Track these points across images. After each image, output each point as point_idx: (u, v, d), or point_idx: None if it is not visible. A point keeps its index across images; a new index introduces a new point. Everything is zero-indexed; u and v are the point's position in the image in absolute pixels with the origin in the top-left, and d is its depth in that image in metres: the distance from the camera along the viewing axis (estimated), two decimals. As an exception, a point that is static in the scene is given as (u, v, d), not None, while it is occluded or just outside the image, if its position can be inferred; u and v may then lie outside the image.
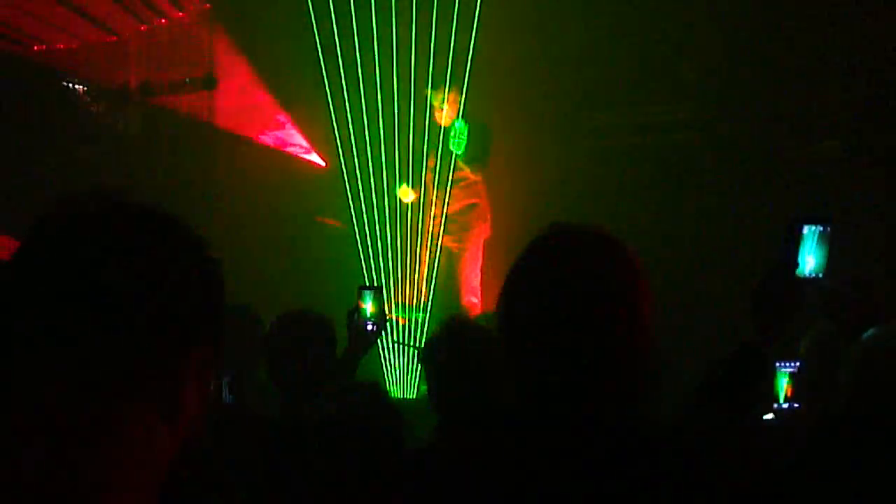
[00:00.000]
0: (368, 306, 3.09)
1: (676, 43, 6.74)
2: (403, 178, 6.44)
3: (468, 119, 6.25)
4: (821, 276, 1.97)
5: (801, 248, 1.94)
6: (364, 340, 3.10)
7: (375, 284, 5.67)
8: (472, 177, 6.46)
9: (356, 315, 3.08)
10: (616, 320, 1.35)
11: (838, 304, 2.39)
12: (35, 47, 7.67)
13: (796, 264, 1.94)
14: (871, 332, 2.28)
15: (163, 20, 7.75)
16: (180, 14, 7.72)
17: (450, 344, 2.64)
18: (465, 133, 6.18)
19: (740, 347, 1.95)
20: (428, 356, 2.78)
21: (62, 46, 7.74)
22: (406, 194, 6.44)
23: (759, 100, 6.45)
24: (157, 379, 0.83)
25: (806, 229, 1.95)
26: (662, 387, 3.03)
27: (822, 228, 1.96)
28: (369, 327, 3.08)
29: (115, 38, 7.80)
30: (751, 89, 6.48)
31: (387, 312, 3.36)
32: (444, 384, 2.67)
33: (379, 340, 6.22)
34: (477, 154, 6.36)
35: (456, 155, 6.23)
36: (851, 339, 2.28)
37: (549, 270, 1.39)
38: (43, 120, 7.54)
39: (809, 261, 1.96)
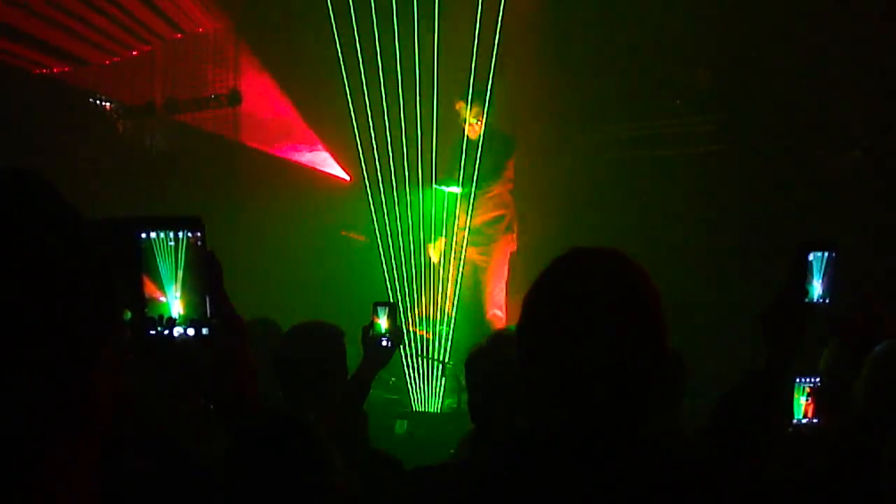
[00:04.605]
0: (383, 322, 3.08)
1: (697, 54, 6.72)
2: (426, 193, 6.44)
3: (492, 130, 6.27)
4: (828, 300, 1.98)
5: (809, 275, 1.96)
6: (379, 356, 3.09)
7: (391, 300, 5.67)
8: (499, 187, 6.46)
9: (371, 331, 3.08)
10: (634, 342, 1.35)
11: (846, 327, 2.40)
12: (64, 67, 7.77)
13: (804, 290, 1.95)
14: (882, 345, 2.30)
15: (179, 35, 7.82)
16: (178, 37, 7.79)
17: (494, 356, 2.62)
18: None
19: (749, 374, 1.97)
20: (471, 367, 2.75)
21: (87, 65, 7.83)
22: (436, 250, 6.48)
23: (779, 110, 6.41)
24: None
25: (812, 256, 1.97)
26: (683, 398, 3.04)
27: (828, 254, 1.98)
28: (384, 343, 3.07)
29: (140, 52, 7.88)
30: (771, 100, 6.44)
31: (403, 328, 3.34)
32: (484, 397, 2.64)
33: (404, 355, 6.26)
34: (497, 163, 6.38)
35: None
36: (861, 357, 2.30)
37: (568, 294, 1.38)
38: (70, 137, 7.63)
39: (816, 286, 1.98)
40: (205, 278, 1.21)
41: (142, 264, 1.19)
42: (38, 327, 0.74)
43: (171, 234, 1.20)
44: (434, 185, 6.38)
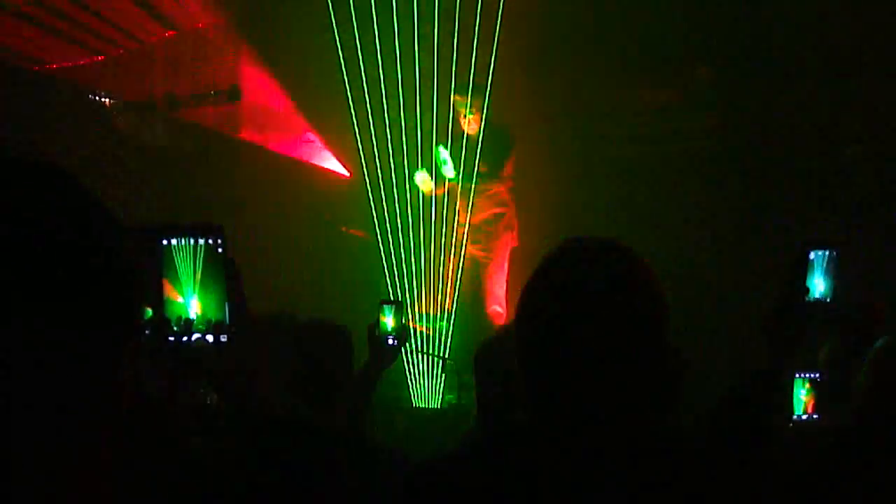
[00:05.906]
0: (389, 320, 3.08)
1: (696, 50, 6.71)
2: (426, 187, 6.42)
3: (492, 125, 6.25)
4: (829, 300, 1.98)
5: (810, 273, 1.95)
6: (385, 355, 3.09)
7: (396, 298, 5.66)
8: (498, 186, 6.46)
9: (377, 329, 3.08)
10: (636, 334, 1.33)
11: (847, 324, 2.42)
12: (62, 64, 7.76)
13: (805, 289, 1.95)
14: (882, 340, 2.31)
15: (172, 32, 7.80)
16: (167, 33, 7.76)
17: (501, 352, 2.61)
18: (445, 157, 6.27)
19: (750, 372, 1.97)
20: (478, 363, 2.74)
21: (86, 62, 7.82)
22: (425, 183, 6.41)
23: (779, 106, 6.41)
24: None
25: (813, 255, 1.96)
26: (683, 393, 3.04)
27: (829, 252, 1.98)
28: (390, 342, 3.07)
29: (139, 47, 7.86)
30: (771, 96, 6.43)
31: (408, 325, 3.34)
32: (492, 392, 2.64)
33: (404, 351, 6.25)
34: (497, 161, 6.37)
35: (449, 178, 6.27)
36: (861, 353, 2.31)
37: (563, 285, 1.36)
38: (69, 133, 7.61)
39: (818, 285, 1.97)
40: (224, 285, 1.23)
41: (162, 268, 1.22)
42: (68, 321, 0.74)
43: (192, 241, 1.22)
44: (437, 146, 6.31)
